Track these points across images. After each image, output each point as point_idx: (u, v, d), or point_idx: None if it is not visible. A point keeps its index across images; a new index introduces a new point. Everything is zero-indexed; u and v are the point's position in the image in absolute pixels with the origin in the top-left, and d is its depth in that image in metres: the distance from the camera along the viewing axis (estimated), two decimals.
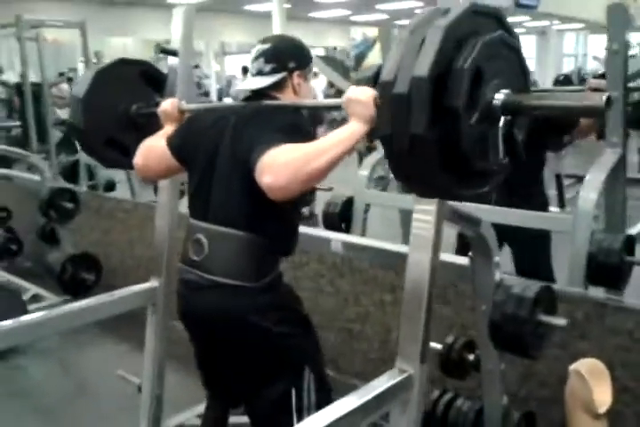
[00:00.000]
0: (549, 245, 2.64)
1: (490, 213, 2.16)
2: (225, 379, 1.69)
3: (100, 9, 9.87)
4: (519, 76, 1.12)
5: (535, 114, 1.14)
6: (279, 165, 1.31)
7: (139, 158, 1.69)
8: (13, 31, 4.54)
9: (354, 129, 1.26)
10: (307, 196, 1.74)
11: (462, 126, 0.99)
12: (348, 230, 2.82)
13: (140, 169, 1.72)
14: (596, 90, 2.43)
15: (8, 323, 1.75)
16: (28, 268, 4.16)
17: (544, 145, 2.63)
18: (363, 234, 2.79)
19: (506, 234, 2.54)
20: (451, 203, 1.46)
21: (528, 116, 1.13)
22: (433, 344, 1.69)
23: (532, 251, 2.65)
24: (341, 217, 2.85)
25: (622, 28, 2.25)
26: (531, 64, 16.87)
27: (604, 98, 0.95)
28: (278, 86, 1.58)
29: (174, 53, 2.07)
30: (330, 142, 1.29)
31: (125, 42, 15.21)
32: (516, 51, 1.10)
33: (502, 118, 1.03)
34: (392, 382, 1.30)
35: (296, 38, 1.69)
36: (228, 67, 18.58)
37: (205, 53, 19.61)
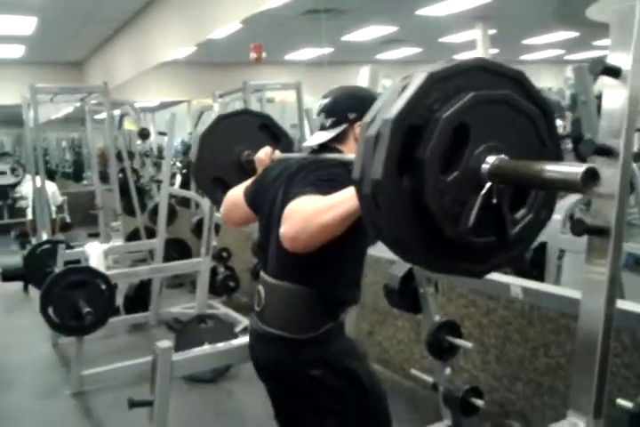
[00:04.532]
0: None
1: None
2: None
3: (315, 68, 10.77)
4: (533, 145, 0.99)
5: (521, 184, 0.97)
6: (293, 217, 1.29)
7: (222, 208, 1.77)
8: (240, 95, 5.25)
9: None
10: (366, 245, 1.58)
11: (428, 181, 0.89)
12: (540, 277, 2.71)
13: (225, 218, 1.79)
14: None
15: (220, 345, 2.27)
16: (243, 302, 4.63)
17: None
18: (557, 281, 2.66)
19: None
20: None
21: (513, 186, 0.97)
22: (622, 401, 1.57)
23: None
24: (534, 263, 2.75)
25: None
26: None
27: (582, 170, 0.80)
28: (340, 138, 1.57)
29: None
30: (342, 197, 1.25)
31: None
32: (527, 116, 0.97)
33: (487, 185, 0.92)
34: None
35: (358, 88, 1.69)
36: None
37: None
